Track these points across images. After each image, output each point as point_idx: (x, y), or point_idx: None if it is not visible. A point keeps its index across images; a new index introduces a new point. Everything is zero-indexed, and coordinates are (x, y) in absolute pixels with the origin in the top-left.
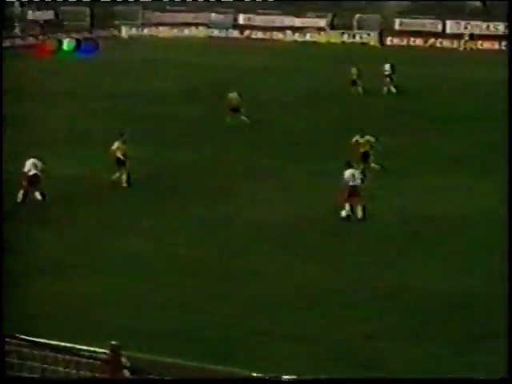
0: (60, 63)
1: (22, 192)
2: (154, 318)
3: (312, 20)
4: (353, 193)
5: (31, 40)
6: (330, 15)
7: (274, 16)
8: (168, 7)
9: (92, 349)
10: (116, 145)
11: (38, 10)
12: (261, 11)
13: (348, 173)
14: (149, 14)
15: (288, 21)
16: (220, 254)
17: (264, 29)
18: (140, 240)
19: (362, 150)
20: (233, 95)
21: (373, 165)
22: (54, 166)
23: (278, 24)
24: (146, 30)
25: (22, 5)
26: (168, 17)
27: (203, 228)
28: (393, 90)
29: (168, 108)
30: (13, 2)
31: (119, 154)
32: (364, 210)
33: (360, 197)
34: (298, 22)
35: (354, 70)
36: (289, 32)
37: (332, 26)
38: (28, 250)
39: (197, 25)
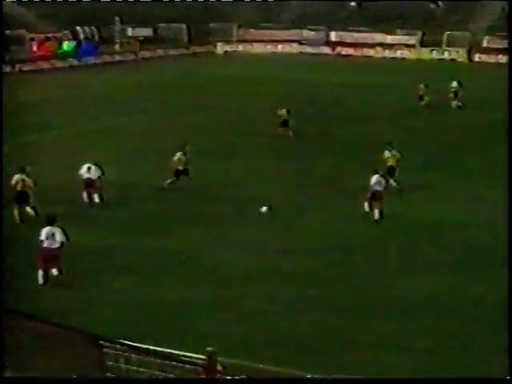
0: (158, 76)
1: (85, 194)
2: (245, 324)
3: (402, 37)
4: (375, 197)
5: (131, 56)
6: (419, 33)
7: (365, 33)
8: (262, 24)
9: (189, 354)
10: (177, 156)
11: (138, 26)
12: (352, 28)
13: (374, 178)
14: (243, 30)
15: (379, 38)
16: (313, 263)
17: (355, 45)
18: (229, 249)
19: (388, 164)
20: (282, 111)
21: (392, 181)
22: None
23: (368, 41)
24: (240, 47)
25: (122, 21)
26: (262, 34)
27: (296, 238)
28: (454, 105)
29: (260, 122)
30: (114, 20)
31: (179, 166)
32: (381, 213)
33: (380, 201)
34: (388, 39)
35: (421, 86)
36: (379, 49)
37: (422, 43)
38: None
39: (289, 41)
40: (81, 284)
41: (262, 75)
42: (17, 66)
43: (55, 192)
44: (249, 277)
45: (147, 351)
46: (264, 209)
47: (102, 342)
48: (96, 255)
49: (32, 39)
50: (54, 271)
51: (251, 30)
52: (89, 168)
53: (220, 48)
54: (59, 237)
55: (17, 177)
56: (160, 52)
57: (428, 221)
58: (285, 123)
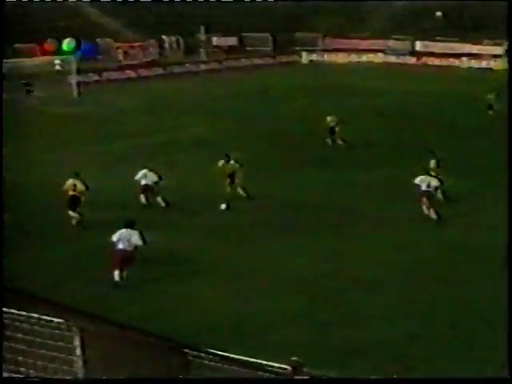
0: (242, 85)
1: (143, 197)
2: (324, 333)
3: (488, 47)
4: (425, 197)
5: (216, 65)
6: (505, 43)
7: (451, 43)
8: (347, 34)
9: (274, 364)
10: (220, 163)
11: (223, 36)
12: (438, 38)
13: (419, 179)
14: (328, 40)
15: (465, 48)
16: (391, 273)
17: (441, 55)
18: (315, 259)
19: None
20: (331, 118)
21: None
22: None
23: (454, 51)
24: (325, 56)
25: (207, 31)
26: (347, 43)
27: (374, 249)
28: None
29: (343, 132)
30: (199, 29)
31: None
32: (437, 212)
33: (432, 202)
34: (474, 49)
35: (490, 95)
36: (465, 59)
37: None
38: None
39: (374, 51)
40: (157, 289)
41: (347, 84)
42: (104, 75)
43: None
44: (327, 286)
45: (234, 360)
46: (223, 206)
47: (186, 349)
48: (172, 259)
49: (118, 48)
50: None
51: (336, 40)
52: (145, 174)
53: (305, 57)
54: (136, 239)
55: (69, 182)
56: (245, 61)
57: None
58: (332, 131)
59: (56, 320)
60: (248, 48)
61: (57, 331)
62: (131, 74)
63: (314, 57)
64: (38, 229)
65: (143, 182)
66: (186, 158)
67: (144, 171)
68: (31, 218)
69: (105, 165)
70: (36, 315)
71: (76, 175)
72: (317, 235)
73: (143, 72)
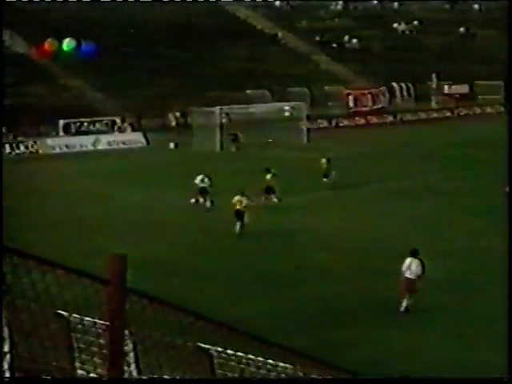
0: (472, 133)
1: (194, 199)
2: None
3: None
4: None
5: (447, 113)
6: None
7: None
8: None
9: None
10: (236, 198)
11: (454, 84)
12: None
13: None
14: None
15: None
16: None
17: None
18: None
19: None
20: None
21: None
22: None
23: None
24: None
25: (439, 78)
26: None
27: None
28: None
29: None
30: (431, 76)
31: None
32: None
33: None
34: None
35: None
36: None
37: None
38: None
39: None
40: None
41: None
42: (333, 121)
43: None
44: None
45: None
46: (192, 200)
47: None
48: None
49: (348, 94)
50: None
51: None
52: (202, 179)
53: None
54: (416, 268)
55: (236, 198)
56: (477, 110)
57: None
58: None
59: (282, 364)
60: (480, 96)
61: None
62: (360, 120)
63: None
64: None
65: (201, 185)
66: (419, 205)
67: (201, 176)
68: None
69: (353, 207)
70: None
71: (242, 194)
72: None
73: (373, 119)
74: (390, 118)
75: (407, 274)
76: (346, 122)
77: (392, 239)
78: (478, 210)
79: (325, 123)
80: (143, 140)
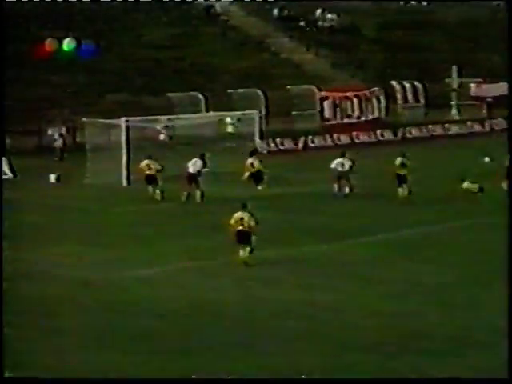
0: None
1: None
2: None
3: None
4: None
5: (477, 127)
6: None
7: None
8: None
9: None
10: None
11: (486, 81)
12: None
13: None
14: None
15: None
16: None
17: None
18: None
19: None
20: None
21: None
22: None
23: None
24: None
25: (461, 72)
26: None
27: None
28: None
29: None
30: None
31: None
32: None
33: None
34: None
35: None
36: None
37: None
38: None
39: None
40: None
41: None
42: (300, 140)
43: None
44: None
45: None
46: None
47: None
48: None
49: (324, 98)
50: None
51: None
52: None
53: None
54: None
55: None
56: None
57: None
58: None
59: None
60: None
61: None
62: (342, 138)
63: None
64: None
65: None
66: None
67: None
68: None
69: None
70: None
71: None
72: None
73: (361, 136)
74: (388, 135)
75: None
76: (319, 141)
77: None
78: None
79: (288, 143)
80: (7, 171)
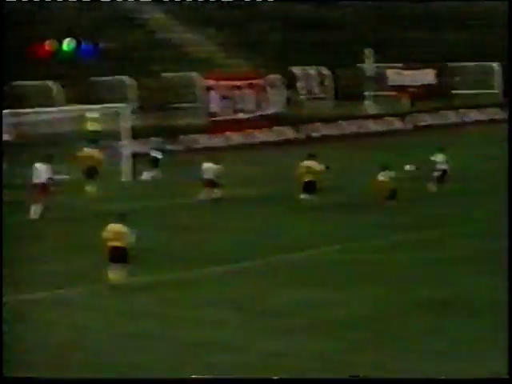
0: None
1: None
2: None
3: None
4: None
5: (397, 124)
6: None
7: None
8: None
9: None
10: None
11: (408, 67)
12: None
13: None
14: None
15: None
16: None
17: None
18: None
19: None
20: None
21: None
22: None
23: None
24: None
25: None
26: None
27: None
28: None
29: None
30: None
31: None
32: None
33: None
34: None
35: None
36: None
37: None
38: None
39: None
40: None
41: None
42: (183, 140)
43: None
44: None
45: None
46: None
47: None
48: None
49: (210, 88)
50: None
51: None
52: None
53: None
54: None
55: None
56: (451, 116)
57: None
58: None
59: None
60: (457, 90)
61: None
62: (234, 138)
63: None
64: None
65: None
66: None
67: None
68: None
69: None
70: None
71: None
72: None
73: (256, 134)
74: (289, 134)
75: None
76: (204, 142)
77: None
78: None
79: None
80: None
